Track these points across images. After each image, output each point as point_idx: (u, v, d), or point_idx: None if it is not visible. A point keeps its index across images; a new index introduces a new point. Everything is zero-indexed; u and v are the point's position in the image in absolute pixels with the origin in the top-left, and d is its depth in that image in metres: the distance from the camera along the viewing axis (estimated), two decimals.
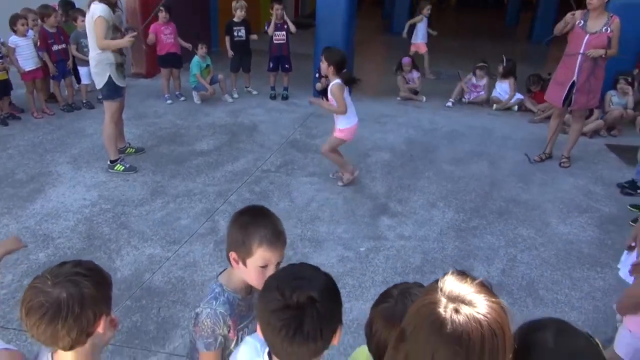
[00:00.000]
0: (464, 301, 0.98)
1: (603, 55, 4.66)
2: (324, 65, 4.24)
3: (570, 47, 4.86)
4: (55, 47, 6.08)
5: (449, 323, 0.96)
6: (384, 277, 3.53)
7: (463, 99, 7.33)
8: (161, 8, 6.48)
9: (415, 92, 7.49)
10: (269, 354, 1.30)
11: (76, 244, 3.76)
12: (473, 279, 1.06)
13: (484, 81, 7.19)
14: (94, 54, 4.45)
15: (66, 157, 5.13)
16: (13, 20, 5.81)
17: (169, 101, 6.79)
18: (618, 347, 2.16)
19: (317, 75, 6.93)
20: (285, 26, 6.89)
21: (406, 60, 7.57)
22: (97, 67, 4.49)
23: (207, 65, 6.83)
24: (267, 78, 7.29)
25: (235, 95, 7.12)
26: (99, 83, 4.55)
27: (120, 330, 2.95)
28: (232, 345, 1.62)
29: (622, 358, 2.13)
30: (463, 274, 1.07)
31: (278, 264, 1.57)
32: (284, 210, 4.33)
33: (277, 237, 1.55)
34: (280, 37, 6.89)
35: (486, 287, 1.05)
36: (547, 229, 4.17)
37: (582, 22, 4.76)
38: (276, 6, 6.84)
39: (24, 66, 5.92)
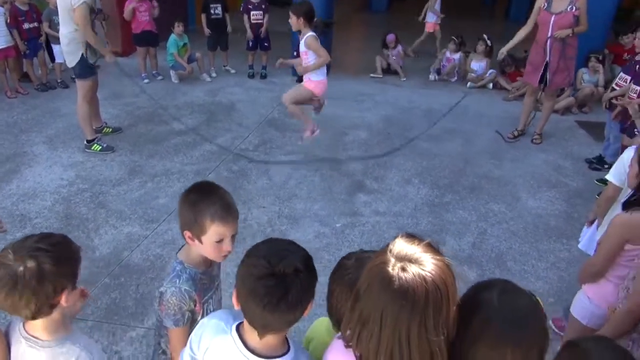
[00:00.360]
0: (411, 260, 1.08)
1: (570, 35, 4.76)
2: (293, 20, 4.21)
3: (540, 29, 4.94)
4: (26, 25, 5.96)
5: (396, 280, 1.05)
6: None
7: (440, 74, 7.40)
8: None
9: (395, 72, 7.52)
10: (238, 329, 1.32)
11: (53, 223, 3.77)
12: (421, 240, 1.14)
13: (457, 55, 7.27)
14: (65, 31, 4.39)
15: (42, 137, 5.09)
16: None
17: (146, 80, 6.73)
18: (575, 309, 2.29)
19: (294, 54, 6.94)
20: (263, 6, 6.84)
21: (390, 37, 7.57)
22: (70, 46, 4.43)
23: (185, 44, 6.77)
24: (245, 56, 7.26)
25: (214, 74, 7.09)
26: (71, 62, 4.50)
27: (99, 307, 3.02)
28: (199, 317, 1.68)
29: (579, 320, 2.27)
30: (412, 236, 1.15)
31: (233, 236, 1.62)
32: (262, 188, 4.39)
33: (228, 212, 1.58)
34: (257, 16, 6.85)
35: (433, 247, 1.14)
36: (517, 203, 4.31)
37: (546, 4, 4.84)
38: None
39: None
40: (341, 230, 3.87)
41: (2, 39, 5.84)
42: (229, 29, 6.97)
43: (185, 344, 1.65)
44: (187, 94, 6.45)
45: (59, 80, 6.40)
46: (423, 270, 1.06)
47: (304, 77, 4.55)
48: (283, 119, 5.83)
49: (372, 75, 7.45)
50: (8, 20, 5.89)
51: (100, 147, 4.82)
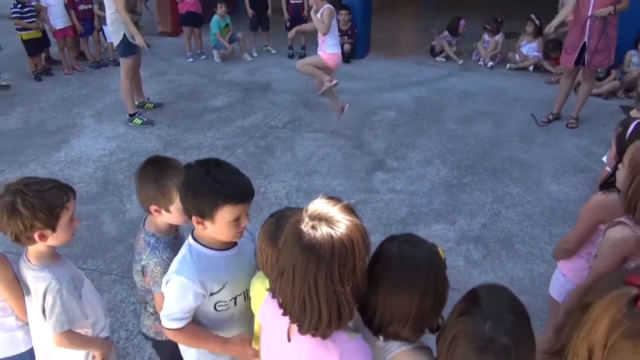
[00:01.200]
0: (322, 219, 1.20)
1: (612, 12, 4.57)
2: None
3: (579, 9, 4.77)
4: (81, 7, 6.42)
5: (306, 236, 1.19)
6: (368, 227, 3.74)
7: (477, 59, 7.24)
8: None
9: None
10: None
11: (93, 188, 4.16)
12: (338, 201, 1.27)
13: (497, 37, 7.06)
14: (109, 12, 4.74)
15: (91, 111, 5.53)
16: None
17: (190, 59, 7.07)
18: (552, 290, 2.33)
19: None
20: None
21: (463, 23, 7.27)
22: (113, 26, 4.78)
23: (227, 25, 7.03)
24: (286, 37, 7.42)
25: (255, 54, 7.32)
26: (115, 40, 4.86)
27: (123, 263, 3.35)
28: None
29: (557, 299, 2.31)
30: (331, 198, 1.29)
31: None
32: (285, 163, 4.58)
33: None
34: None
35: (348, 209, 1.27)
36: (538, 187, 4.26)
37: None
38: None
39: (54, 24, 6.30)
40: (354, 205, 3.99)
41: (61, 19, 6.33)
42: (269, 11, 7.17)
43: None
44: (227, 72, 6.73)
45: (111, 59, 6.85)
46: (332, 228, 1.18)
47: (318, 49, 4.73)
48: (315, 98, 5.94)
49: (437, 58, 7.28)
50: (66, 2, 6.37)
51: (141, 121, 5.19)
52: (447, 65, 7.16)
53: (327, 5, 4.44)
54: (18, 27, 5.99)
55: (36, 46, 6.21)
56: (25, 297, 1.78)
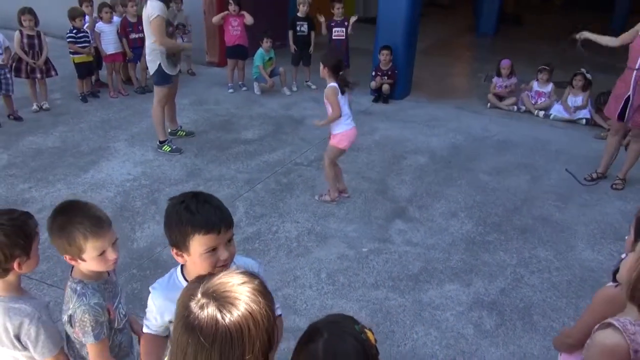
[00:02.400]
0: (216, 298, 1.06)
1: None
2: (321, 67, 4.14)
3: (630, 58, 4.47)
4: (133, 35, 6.70)
5: (190, 315, 1.06)
6: (376, 279, 3.56)
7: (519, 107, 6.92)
8: (230, 1, 6.89)
9: (500, 99, 6.98)
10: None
11: (108, 212, 4.13)
12: (254, 279, 1.13)
13: (548, 87, 6.74)
14: (148, 42, 4.89)
15: (125, 135, 5.68)
16: (99, 8, 6.51)
17: (230, 90, 7.19)
18: None
19: (373, 73, 6.99)
20: (345, 23, 6.98)
21: (505, 62, 6.98)
22: (150, 55, 4.92)
23: (270, 58, 7.12)
24: None
25: (294, 89, 7.36)
26: (151, 69, 4.99)
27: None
28: (115, 325, 1.78)
29: None
30: (248, 274, 1.14)
31: (115, 242, 1.69)
32: (303, 203, 4.48)
33: (99, 225, 1.64)
34: (339, 33, 7.00)
35: (260, 292, 1.11)
36: (570, 252, 3.91)
37: None
38: (337, 5, 6.95)
39: (106, 50, 6.61)
40: (366, 255, 3.82)
41: (112, 45, 6.63)
42: (312, 48, 7.21)
43: (108, 353, 1.77)
44: (263, 105, 6.77)
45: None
46: (220, 311, 1.04)
47: (330, 129, 4.38)
48: None
49: (488, 106, 6.96)
50: (119, 30, 6.68)
51: (170, 148, 5.26)
52: (494, 111, 6.89)
53: (332, 84, 4.09)
54: (71, 50, 6.31)
55: (86, 69, 6.51)
56: None
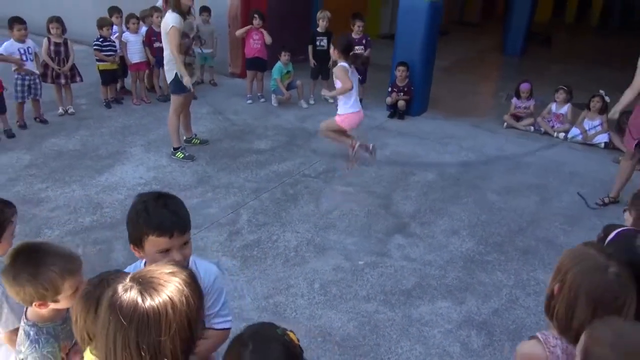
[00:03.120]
0: (140, 283, 1.15)
1: None
2: (332, 50, 4.46)
3: None
4: (157, 44, 6.93)
5: (114, 297, 1.15)
6: (367, 292, 3.57)
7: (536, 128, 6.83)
8: (255, 15, 7.08)
9: (517, 119, 6.92)
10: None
11: (117, 215, 4.35)
12: (183, 271, 1.21)
13: (565, 108, 6.64)
14: (166, 52, 5.07)
15: (142, 141, 5.88)
16: (127, 19, 6.79)
17: (249, 101, 7.35)
18: None
19: (389, 89, 7.04)
20: (364, 41, 7.06)
21: (525, 86, 6.95)
22: (168, 65, 5.10)
23: (288, 72, 7.26)
24: None
25: (312, 102, 7.46)
26: (168, 78, 5.17)
27: None
28: None
29: None
30: (179, 267, 1.23)
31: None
32: (305, 214, 4.53)
33: (71, 263, 1.67)
34: (358, 51, 7.07)
35: (188, 283, 1.20)
36: None
37: None
38: (357, 23, 7.05)
39: (131, 58, 6.86)
40: (361, 268, 3.84)
41: (137, 55, 6.88)
42: (331, 63, 7.30)
43: None
44: (279, 117, 6.89)
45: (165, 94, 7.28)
46: (142, 295, 1.13)
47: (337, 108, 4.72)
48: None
49: (505, 126, 6.89)
50: (144, 40, 6.93)
51: (183, 155, 5.41)
52: (510, 131, 6.83)
53: (342, 64, 4.43)
54: (97, 58, 6.59)
55: (111, 77, 6.78)
56: None
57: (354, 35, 7.05)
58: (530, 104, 6.92)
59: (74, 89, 6.58)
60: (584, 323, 1.45)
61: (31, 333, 1.66)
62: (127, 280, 1.17)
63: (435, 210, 4.70)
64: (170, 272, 1.19)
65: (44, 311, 1.68)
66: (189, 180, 5.03)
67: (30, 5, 9.08)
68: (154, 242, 1.59)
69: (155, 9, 6.95)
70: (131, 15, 6.81)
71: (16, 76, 5.78)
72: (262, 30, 7.10)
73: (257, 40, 7.20)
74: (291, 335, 1.27)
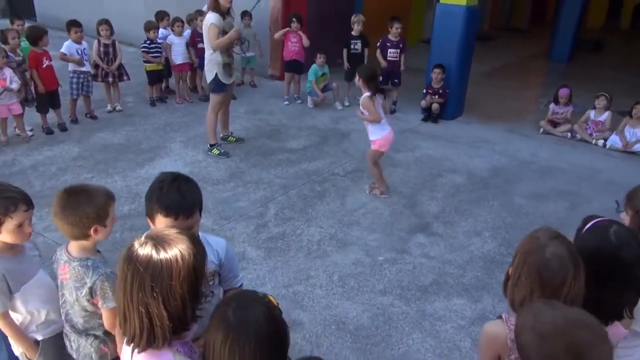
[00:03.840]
0: (154, 240, 1.36)
1: None
2: (357, 79, 4.55)
3: None
4: (200, 45, 7.23)
5: (131, 250, 1.36)
6: (384, 286, 3.67)
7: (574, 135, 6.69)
8: (293, 18, 7.31)
9: (555, 125, 6.81)
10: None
11: None
12: (184, 231, 1.40)
13: (605, 116, 6.48)
14: (207, 54, 5.35)
15: (182, 137, 6.19)
16: (172, 22, 7.16)
17: (285, 102, 7.57)
18: None
19: (424, 91, 7.08)
20: (401, 45, 7.14)
21: (564, 92, 6.80)
22: (208, 65, 5.38)
23: (324, 74, 7.43)
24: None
25: (347, 104, 7.60)
26: (208, 78, 5.45)
27: None
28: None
29: None
30: (180, 230, 1.42)
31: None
32: (331, 210, 4.67)
33: (111, 193, 2.04)
34: (393, 54, 7.18)
35: (193, 241, 1.41)
36: None
37: None
38: (396, 25, 7.13)
39: (175, 60, 7.22)
40: (380, 263, 3.94)
41: (181, 56, 7.23)
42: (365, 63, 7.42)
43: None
44: (314, 118, 7.07)
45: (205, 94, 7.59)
46: (155, 248, 1.34)
47: (369, 135, 4.80)
48: (388, 154, 5.96)
49: (541, 131, 6.82)
50: (188, 41, 7.28)
51: (218, 152, 5.67)
52: (545, 137, 6.73)
53: (367, 94, 4.52)
54: (144, 59, 6.98)
55: (156, 77, 7.16)
56: None
57: (391, 38, 7.15)
58: (568, 111, 6.79)
59: (122, 88, 7.00)
60: (523, 301, 1.54)
61: (89, 264, 1.95)
62: (142, 238, 1.38)
63: (460, 212, 4.74)
64: (178, 232, 1.42)
65: (89, 243, 1.96)
66: (222, 175, 5.27)
67: (84, 9, 9.67)
68: (161, 220, 1.81)
69: (200, 12, 7.27)
70: (176, 19, 7.17)
71: (71, 75, 6.22)
72: (300, 33, 7.30)
73: (295, 43, 7.42)
74: (271, 298, 1.41)
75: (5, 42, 5.58)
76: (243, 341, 1.29)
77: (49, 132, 6.01)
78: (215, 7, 5.13)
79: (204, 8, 7.42)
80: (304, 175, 5.33)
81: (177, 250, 1.35)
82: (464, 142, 6.42)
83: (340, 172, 5.43)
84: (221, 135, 6.01)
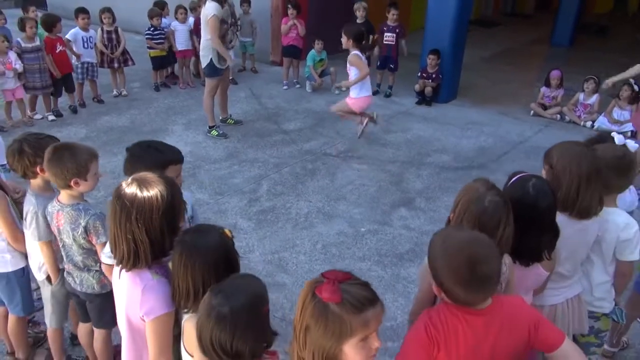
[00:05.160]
0: (138, 181, 1.67)
1: None
2: (344, 39, 4.73)
3: None
4: None
5: (120, 189, 1.67)
6: (364, 254, 3.95)
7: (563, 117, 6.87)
8: (288, 5, 7.54)
9: (545, 108, 7.02)
10: None
11: None
12: (166, 176, 1.70)
13: (593, 98, 6.64)
14: (203, 39, 5.62)
15: (183, 120, 6.49)
16: (175, 9, 7.43)
17: (284, 87, 7.82)
18: None
19: (418, 74, 7.29)
20: (397, 30, 7.34)
21: (555, 73, 7.03)
22: (204, 51, 5.64)
23: (321, 59, 7.66)
24: (376, 75, 7.82)
25: (344, 88, 7.80)
26: (204, 63, 5.72)
27: None
28: None
29: None
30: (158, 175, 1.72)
31: None
32: (320, 187, 4.95)
33: (95, 152, 2.33)
34: (389, 38, 7.37)
35: (168, 183, 1.70)
36: None
37: None
38: (392, 11, 7.32)
39: (178, 46, 7.50)
40: (362, 234, 4.21)
41: (184, 42, 7.51)
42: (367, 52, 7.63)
43: None
44: (311, 101, 7.32)
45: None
46: (139, 188, 1.65)
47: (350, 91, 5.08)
48: (379, 133, 6.23)
49: (532, 114, 7.05)
50: (191, 29, 7.55)
51: (217, 133, 5.96)
52: (536, 119, 6.92)
53: (355, 52, 4.73)
54: (148, 45, 7.28)
55: (160, 62, 7.45)
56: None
57: (389, 23, 7.34)
58: (559, 94, 6.96)
59: (128, 74, 7.31)
60: None
61: (80, 207, 2.27)
62: (129, 180, 1.68)
63: (444, 188, 4.98)
64: (159, 176, 1.71)
65: (75, 192, 2.26)
66: (220, 155, 5.57)
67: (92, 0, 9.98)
68: (175, 169, 2.16)
69: (203, 0, 7.53)
70: (179, 6, 7.44)
71: (75, 62, 6.54)
72: (296, 21, 7.52)
73: (292, 30, 7.64)
74: (226, 231, 1.69)
75: (23, 30, 5.88)
76: (194, 259, 1.59)
77: (58, 114, 6.34)
78: None
79: None
80: (298, 155, 5.61)
81: (157, 189, 1.65)
82: (454, 124, 6.64)
83: (332, 152, 5.70)
84: (220, 118, 6.29)
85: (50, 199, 2.39)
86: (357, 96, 4.95)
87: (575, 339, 2.36)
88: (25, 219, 2.43)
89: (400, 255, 3.93)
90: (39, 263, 2.55)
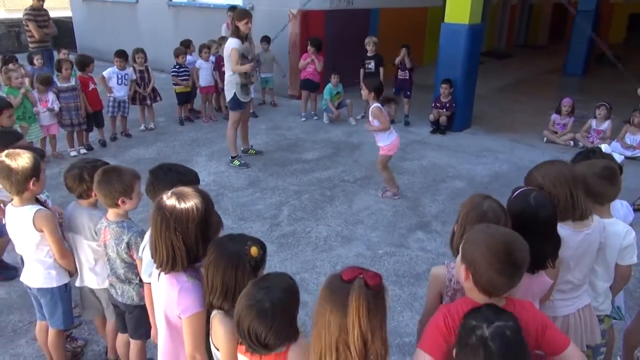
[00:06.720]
0: (176, 195, 1.88)
1: None
2: (364, 92, 4.97)
3: None
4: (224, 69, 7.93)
5: (161, 202, 1.87)
6: (381, 274, 4.07)
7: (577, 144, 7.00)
8: (308, 42, 7.93)
9: (555, 132, 7.20)
10: None
11: None
12: (199, 191, 1.91)
13: (606, 124, 6.77)
14: (227, 75, 5.96)
15: (207, 151, 6.79)
16: (200, 49, 7.86)
17: (303, 119, 8.13)
18: None
19: (432, 104, 7.54)
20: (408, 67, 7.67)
21: (567, 101, 7.25)
22: (228, 85, 5.98)
23: (338, 92, 7.98)
24: (390, 107, 8.09)
25: (359, 118, 8.11)
26: (228, 97, 6.04)
27: None
28: None
29: None
30: (193, 189, 1.93)
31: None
32: (339, 212, 5.13)
33: (137, 174, 2.56)
34: (403, 75, 7.71)
35: (203, 197, 1.91)
36: None
37: None
38: (403, 50, 7.66)
39: (201, 83, 7.91)
40: (380, 256, 4.36)
41: (206, 79, 7.91)
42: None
43: None
44: (328, 132, 7.59)
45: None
46: (177, 201, 1.86)
47: (377, 142, 5.25)
48: (396, 162, 6.37)
49: (545, 140, 7.21)
50: (214, 66, 7.96)
51: (239, 163, 6.23)
52: (549, 146, 7.06)
53: (376, 104, 4.97)
54: (174, 82, 7.69)
55: (185, 98, 7.85)
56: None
57: (401, 60, 7.67)
58: (570, 121, 7.11)
59: (155, 110, 7.70)
60: None
61: (124, 224, 2.50)
62: (169, 193, 1.90)
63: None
64: (195, 190, 1.93)
65: (121, 210, 2.50)
66: (242, 183, 5.82)
67: (117, 43, 10.57)
68: None
69: (223, 38, 7.97)
70: (203, 46, 7.87)
71: (108, 96, 6.96)
72: (314, 57, 7.89)
73: (310, 65, 8.00)
74: (253, 247, 1.84)
75: (59, 70, 6.31)
76: (224, 264, 1.80)
77: (89, 148, 6.71)
78: (236, 33, 5.75)
79: (222, 30, 8.16)
80: (316, 182, 5.82)
81: (193, 202, 1.87)
82: (469, 151, 6.81)
83: (350, 179, 5.91)
84: (242, 149, 6.58)
85: (100, 217, 2.65)
86: (388, 143, 5.15)
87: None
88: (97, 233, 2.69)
89: (417, 275, 4.06)
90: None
